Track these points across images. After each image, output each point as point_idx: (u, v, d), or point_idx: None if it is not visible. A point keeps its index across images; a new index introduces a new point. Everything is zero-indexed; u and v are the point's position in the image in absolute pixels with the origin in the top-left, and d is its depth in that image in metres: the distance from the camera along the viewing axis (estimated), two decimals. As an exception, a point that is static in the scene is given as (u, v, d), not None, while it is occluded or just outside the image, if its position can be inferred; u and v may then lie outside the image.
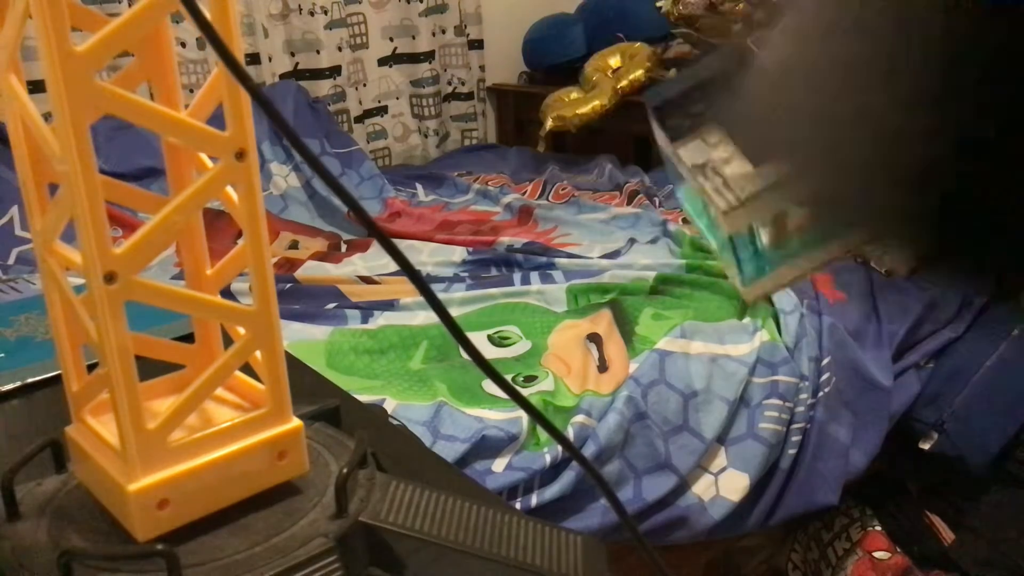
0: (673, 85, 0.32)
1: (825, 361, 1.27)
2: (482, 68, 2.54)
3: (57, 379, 0.61)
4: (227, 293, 1.21)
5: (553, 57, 2.40)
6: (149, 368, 0.39)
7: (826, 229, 0.33)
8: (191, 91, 1.91)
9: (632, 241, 1.64)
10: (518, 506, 1.00)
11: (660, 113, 0.33)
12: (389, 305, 1.36)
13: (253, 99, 0.29)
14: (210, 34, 0.28)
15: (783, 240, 0.32)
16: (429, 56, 2.42)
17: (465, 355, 1.22)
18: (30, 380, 0.62)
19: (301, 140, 0.28)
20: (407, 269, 0.29)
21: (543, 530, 0.39)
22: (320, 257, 1.59)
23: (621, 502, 1.12)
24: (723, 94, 0.32)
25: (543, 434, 1.05)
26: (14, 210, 1.56)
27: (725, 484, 1.15)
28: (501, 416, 1.04)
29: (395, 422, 0.97)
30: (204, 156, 0.39)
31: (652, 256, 1.53)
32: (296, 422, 0.40)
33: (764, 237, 0.32)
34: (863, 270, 1.50)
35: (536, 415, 0.33)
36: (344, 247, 1.69)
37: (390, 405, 1.05)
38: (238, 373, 0.41)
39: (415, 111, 2.45)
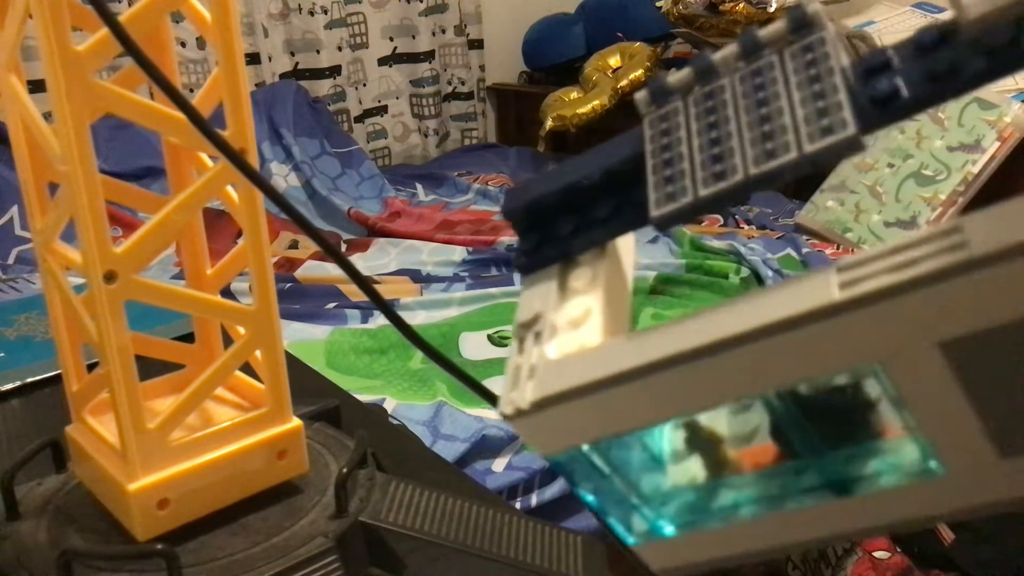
0: (538, 185, 0.20)
1: (825, 361, 1.27)
2: (482, 68, 2.54)
3: (57, 379, 0.60)
4: (227, 293, 1.21)
5: (553, 57, 2.40)
6: (149, 368, 0.39)
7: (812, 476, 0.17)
8: (191, 91, 1.91)
9: (632, 241, 1.64)
10: (518, 506, 1.00)
11: (518, 228, 0.20)
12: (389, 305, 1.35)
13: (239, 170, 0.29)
14: (194, 118, 0.28)
15: (716, 474, 0.18)
16: (429, 56, 2.42)
17: (464, 355, 1.22)
18: (30, 380, 0.62)
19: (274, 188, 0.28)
20: (368, 291, 0.29)
21: (543, 530, 0.39)
22: (320, 257, 1.59)
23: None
24: (608, 207, 0.19)
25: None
26: (14, 210, 1.56)
27: (725, 484, 1.15)
28: (501, 416, 1.04)
29: (395, 422, 0.97)
30: (204, 156, 0.39)
31: (652, 256, 1.53)
32: (296, 422, 0.40)
33: (675, 463, 0.18)
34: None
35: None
36: (344, 247, 1.68)
37: (390, 405, 1.05)
38: (238, 373, 0.41)
39: (415, 111, 2.45)
